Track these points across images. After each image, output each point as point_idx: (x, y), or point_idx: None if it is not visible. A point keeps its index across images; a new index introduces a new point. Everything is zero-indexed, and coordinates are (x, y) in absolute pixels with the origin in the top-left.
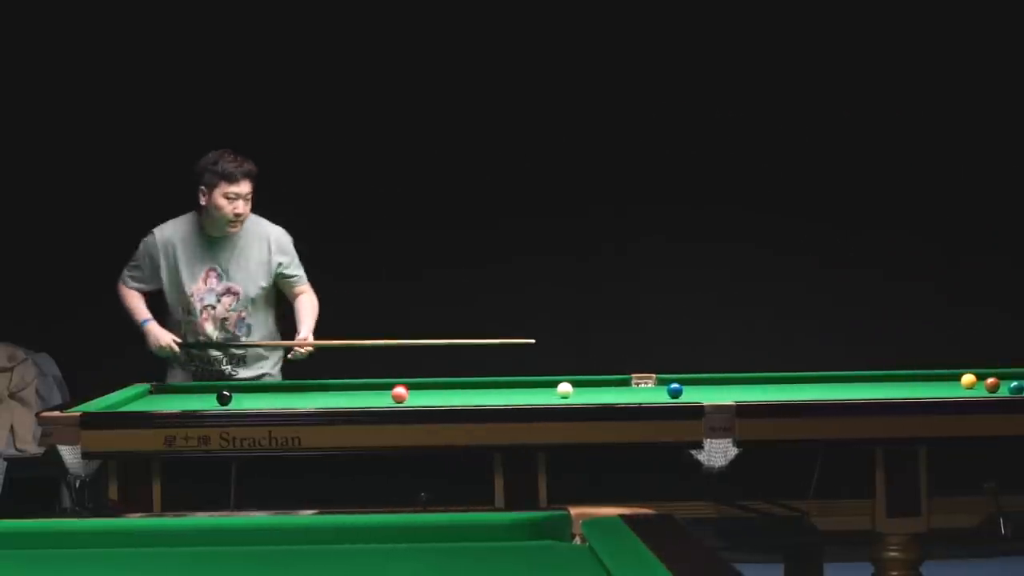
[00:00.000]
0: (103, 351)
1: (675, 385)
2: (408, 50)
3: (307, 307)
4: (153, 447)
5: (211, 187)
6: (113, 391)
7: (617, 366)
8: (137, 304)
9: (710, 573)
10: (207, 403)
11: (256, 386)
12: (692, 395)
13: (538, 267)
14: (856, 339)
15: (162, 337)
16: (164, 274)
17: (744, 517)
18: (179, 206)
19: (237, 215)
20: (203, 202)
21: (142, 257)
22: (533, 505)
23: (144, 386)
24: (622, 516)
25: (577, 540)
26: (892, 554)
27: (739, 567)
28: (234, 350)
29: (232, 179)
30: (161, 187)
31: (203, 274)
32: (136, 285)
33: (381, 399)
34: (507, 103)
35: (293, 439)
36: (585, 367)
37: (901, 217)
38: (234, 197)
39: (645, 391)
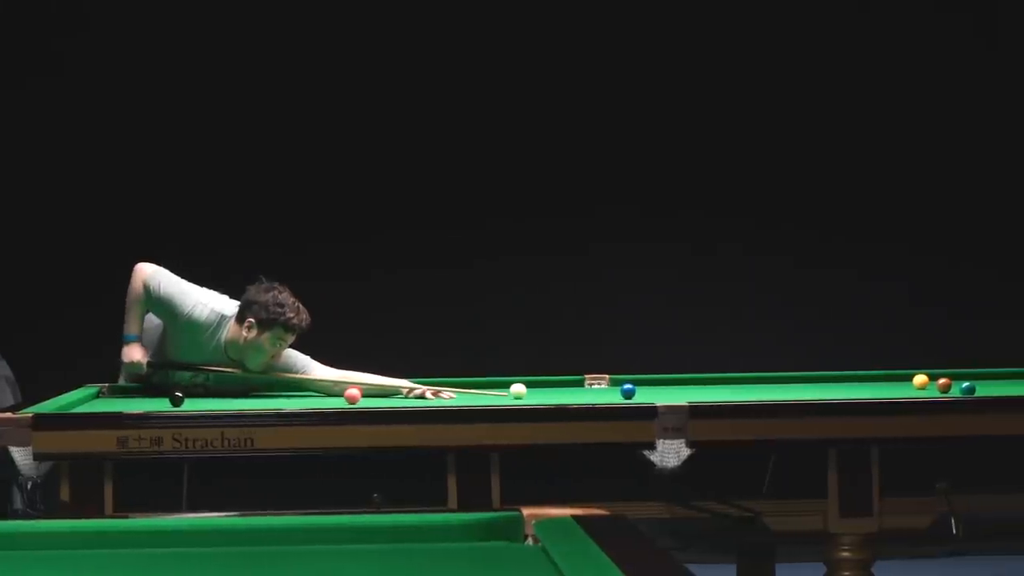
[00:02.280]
0: (57, 352)
1: (628, 386)
2: (374, 51)
3: (347, 373)
4: (105, 448)
5: (263, 327)
6: (66, 392)
7: (570, 367)
8: (140, 311)
9: (662, 574)
10: (160, 404)
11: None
12: (645, 396)
13: (491, 268)
14: (809, 340)
15: (135, 354)
16: (167, 331)
17: (697, 517)
18: (144, 210)
19: (273, 359)
20: (244, 333)
21: (175, 301)
22: (486, 506)
23: (95, 388)
24: (575, 517)
25: (530, 541)
26: (844, 554)
27: (691, 568)
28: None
29: (292, 332)
30: (123, 193)
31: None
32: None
33: (335, 400)
34: (469, 105)
35: (246, 440)
36: (538, 368)
37: (857, 219)
38: (280, 345)
39: (598, 392)
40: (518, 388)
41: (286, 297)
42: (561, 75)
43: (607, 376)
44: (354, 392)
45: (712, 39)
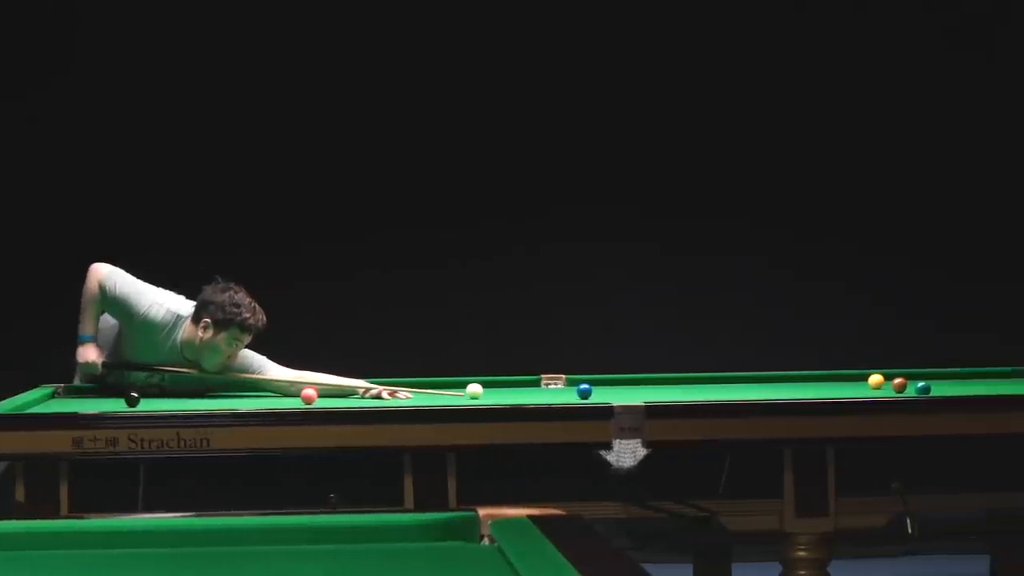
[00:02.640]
0: (12, 353)
1: (585, 386)
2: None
3: (303, 373)
4: (61, 449)
5: (219, 327)
6: (21, 393)
7: (527, 367)
8: (96, 312)
9: (618, 574)
10: (115, 405)
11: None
12: (602, 396)
13: (447, 268)
14: (766, 341)
15: (90, 354)
16: (123, 331)
17: (653, 517)
18: (106, 213)
19: (229, 359)
20: (200, 333)
21: (131, 301)
22: (442, 506)
23: (50, 388)
24: (531, 517)
25: (486, 541)
26: (800, 554)
27: (648, 568)
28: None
29: (248, 332)
30: (89, 195)
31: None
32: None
33: (291, 401)
34: (425, 109)
35: (202, 440)
36: (495, 368)
37: (813, 218)
38: (236, 345)
39: (555, 392)
40: (474, 388)
41: (242, 297)
42: (525, 77)
43: (563, 376)
44: (310, 392)
45: (690, 40)
